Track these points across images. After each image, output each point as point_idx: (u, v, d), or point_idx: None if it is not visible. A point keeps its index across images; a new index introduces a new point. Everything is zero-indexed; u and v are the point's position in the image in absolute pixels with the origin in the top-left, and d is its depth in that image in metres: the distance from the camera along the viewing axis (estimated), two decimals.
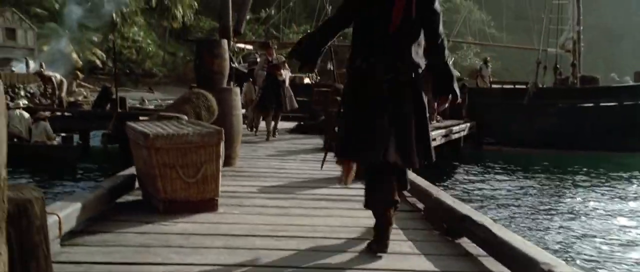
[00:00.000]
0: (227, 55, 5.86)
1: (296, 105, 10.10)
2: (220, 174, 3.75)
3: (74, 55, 48.29)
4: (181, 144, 3.47)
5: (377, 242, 2.89)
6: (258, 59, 13.83)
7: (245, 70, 12.06)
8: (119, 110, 13.04)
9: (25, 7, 53.55)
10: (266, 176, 5.42)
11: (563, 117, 16.09)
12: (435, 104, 3.82)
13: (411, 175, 4.38)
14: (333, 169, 5.31)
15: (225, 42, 5.84)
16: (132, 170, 4.17)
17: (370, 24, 2.86)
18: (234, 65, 11.15)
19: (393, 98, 2.84)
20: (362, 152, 2.94)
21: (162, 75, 56.89)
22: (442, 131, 12.35)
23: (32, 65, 42.59)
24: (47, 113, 12.86)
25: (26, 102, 14.88)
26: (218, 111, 5.58)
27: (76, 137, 14.34)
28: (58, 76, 15.57)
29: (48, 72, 17.04)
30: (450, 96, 3.02)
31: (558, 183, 12.69)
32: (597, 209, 9.80)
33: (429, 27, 2.86)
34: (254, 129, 10.24)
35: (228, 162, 5.86)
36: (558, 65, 17.89)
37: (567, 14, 18.91)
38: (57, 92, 15.59)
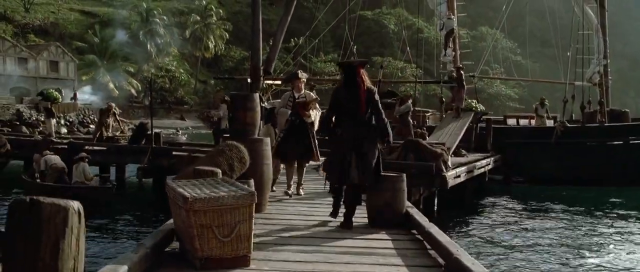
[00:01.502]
0: (258, 107, 6.22)
1: None
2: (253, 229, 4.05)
3: (111, 85, 49.98)
4: (217, 206, 3.79)
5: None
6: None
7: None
8: (154, 145, 13.59)
9: (68, 41, 55.88)
10: (294, 225, 5.70)
11: (592, 156, 16.11)
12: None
13: (435, 230, 4.65)
14: (356, 218, 5.65)
15: (256, 95, 6.21)
16: (170, 224, 4.51)
17: (344, 113, 5.69)
18: (263, 105, 11.54)
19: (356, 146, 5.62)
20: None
21: (194, 103, 58.34)
22: (464, 168, 12.35)
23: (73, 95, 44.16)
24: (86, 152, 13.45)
25: (65, 131, 15.73)
26: (250, 161, 5.93)
27: (113, 170, 14.95)
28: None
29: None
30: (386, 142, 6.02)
31: (590, 220, 12.71)
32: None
33: (376, 116, 5.74)
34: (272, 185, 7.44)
35: (258, 208, 6.17)
36: (585, 102, 17.91)
37: (593, 44, 18.96)
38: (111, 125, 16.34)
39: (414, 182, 11.07)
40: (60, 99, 18.86)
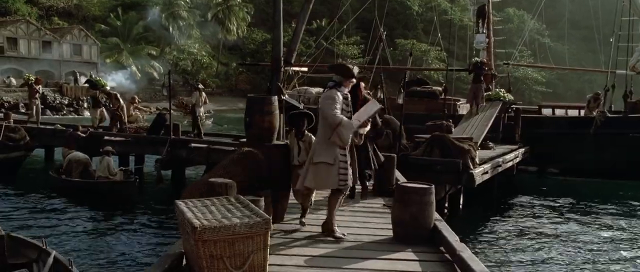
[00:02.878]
0: (277, 111, 5.85)
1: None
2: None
3: (133, 68, 50.02)
4: (229, 235, 3.45)
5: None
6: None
7: (300, 105, 11.76)
8: (172, 136, 13.36)
9: (91, 23, 56.04)
10: (313, 239, 5.35)
11: (635, 147, 15.42)
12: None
13: (467, 255, 4.29)
14: (380, 230, 5.28)
15: (275, 98, 5.83)
16: (179, 246, 4.20)
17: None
18: (284, 98, 11.16)
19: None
20: None
21: (216, 86, 58.13)
22: (492, 164, 11.80)
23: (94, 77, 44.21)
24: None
25: (88, 114, 15.60)
26: (268, 167, 5.59)
27: (131, 159, 14.79)
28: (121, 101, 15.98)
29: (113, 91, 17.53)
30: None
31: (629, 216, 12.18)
32: None
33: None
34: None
35: (277, 216, 5.86)
36: (628, 90, 17.14)
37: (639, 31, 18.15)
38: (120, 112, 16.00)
39: (439, 179, 10.67)
40: (108, 87, 17.69)
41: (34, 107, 17.36)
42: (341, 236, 5.44)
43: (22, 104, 36.16)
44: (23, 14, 51.83)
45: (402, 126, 10.97)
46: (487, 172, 11.35)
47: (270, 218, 3.70)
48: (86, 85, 19.12)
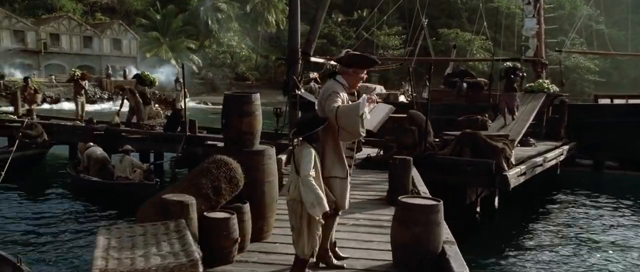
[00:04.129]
0: (259, 111, 4.99)
1: None
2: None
3: (172, 62, 50.22)
4: None
5: None
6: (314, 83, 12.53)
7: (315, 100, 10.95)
8: (188, 133, 12.74)
9: (133, 18, 56.70)
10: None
11: None
12: None
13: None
14: (381, 252, 4.47)
15: (257, 96, 4.97)
16: None
17: None
18: (299, 93, 10.33)
19: None
20: None
21: (255, 78, 57.85)
22: (525, 166, 10.48)
23: (134, 72, 44.78)
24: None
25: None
26: (247, 178, 4.75)
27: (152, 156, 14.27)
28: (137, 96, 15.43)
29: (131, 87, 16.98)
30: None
31: None
32: None
33: None
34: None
35: (259, 235, 5.03)
36: None
37: None
38: (138, 106, 15.48)
39: (470, 182, 9.64)
40: (157, 83, 17.01)
41: (80, 104, 17.05)
42: (342, 265, 4.58)
43: (63, 99, 36.67)
44: (68, 10, 52.85)
45: (427, 122, 9.97)
46: (524, 174, 10.19)
47: (199, 258, 2.84)
48: (133, 80, 18.23)
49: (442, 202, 4.49)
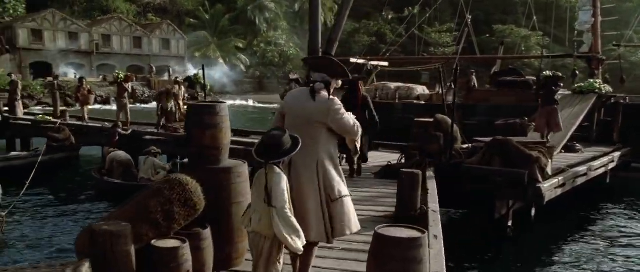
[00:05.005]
0: (226, 123, 4.42)
1: None
2: None
3: (220, 61, 50.65)
4: None
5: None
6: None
7: None
8: None
9: (183, 18, 57.62)
10: None
11: None
12: None
13: None
14: None
15: (223, 107, 4.40)
16: None
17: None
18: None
19: None
20: None
21: (303, 76, 57.49)
22: (563, 177, 9.44)
23: (184, 71, 45.51)
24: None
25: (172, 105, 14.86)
26: (212, 200, 4.20)
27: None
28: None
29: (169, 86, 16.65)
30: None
31: None
32: None
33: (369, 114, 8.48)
34: None
35: (227, 264, 4.47)
36: None
37: None
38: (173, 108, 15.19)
39: (500, 193, 8.78)
40: (208, 86, 16.35)
41: (123, 107, 16.57)
42: None
43: (113, 99, 37.40)
44: (122, 12, 54.23)
45: (453, 127, 9.16)
46: (562, 185, 9.20)
47: None
48: (186, 83, 17.42)
49: (426, 234, 3.77)
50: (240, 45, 54.38)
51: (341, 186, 3.97)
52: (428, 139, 9.36)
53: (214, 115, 4.32)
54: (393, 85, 20.06)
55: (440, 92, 13.78)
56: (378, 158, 10.76)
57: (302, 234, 3.71)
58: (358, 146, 4.22)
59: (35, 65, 42.01)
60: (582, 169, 10.13)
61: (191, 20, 55.57)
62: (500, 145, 8.93)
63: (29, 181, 11.01)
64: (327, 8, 61.63)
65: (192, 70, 44.03)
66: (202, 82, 13.46)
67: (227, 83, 46.25)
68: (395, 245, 3.64)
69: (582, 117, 13.00)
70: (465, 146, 10.09)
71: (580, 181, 9.96)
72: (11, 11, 49.32)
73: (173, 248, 3.83)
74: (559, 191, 9.03)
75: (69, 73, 40.52)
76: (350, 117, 3.99)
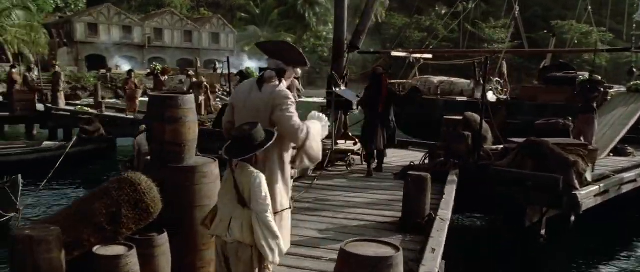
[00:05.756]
0: (190, 117, 3.99)
1: None
2: None
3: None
4: None
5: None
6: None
7: (356, 97, 9.54)
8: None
9: (235, 12, 58.13)
10: None
11: None
12: None
13: None
14: None
15: (187, 99, 3.96)
16: None
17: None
18: (336, 91, 9.18)
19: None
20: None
21: (351, 72, 56.76)
22: (605, 183, 8.41)
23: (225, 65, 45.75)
24: None
25: (224, 98, 14.69)
26: (172, 202, 3.80)
27: None
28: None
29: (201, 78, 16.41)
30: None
31: None
32: None
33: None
34: None
35: None
36: None
37: None
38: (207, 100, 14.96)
39: (531, 199, 8.00)
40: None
41: None
42: None
43: (149, 91, 38.04)
44: (175, 6, 55.24)
45: (481, 126, 8.45)
46: (605, 192, 8.30)
47: None
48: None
49: (401, 251, 3.23)
50: (289, 39, 54.25)
51: (284, 197, 3.58)
52: (455, 138, 8.68)
53: (175, 108, 3.90)
54: (436, 79, 19.25)
55: (472, 85, 12.95)
56: (406, 157, 10.16)
57: (282, 243, 3.29)
58: (311, 155, 3.67)
59: (91, 58, 43.30)
60: (629, 175, 9.15)
61: (242, 14, 55.95)
62: (534, 146, 8.14)
63: (51, 173, 11.04)
64: (378, 2, 60.81)
65: (244, 65, 44.33)
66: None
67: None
68: (360, 265, 3.13)
69: (635, 118, 11.90)
70: (498, 146, 9.32)
71: (626, 188, 8.99)
72: (72, 6, 51.14)
73: (116, 256, 3.43)
74: (600, 199, 8.14)
75: (122, 66, 41.48)
76: (297, 118, 3.52)
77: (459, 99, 17.01)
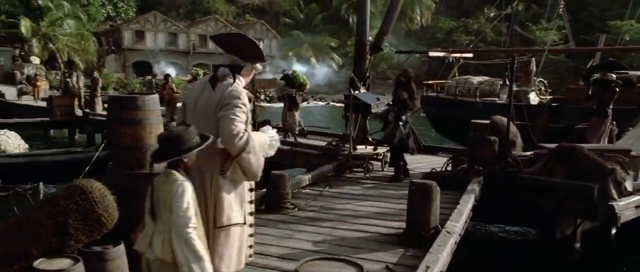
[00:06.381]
0: (153, 119, 3.68)
1: None
2: None
3: (313, 60, 50.55)
4: None
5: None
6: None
7: (378, 105, 8.87)
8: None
9: (280, 18, 58.41)
10: None
11: None
12: None
13: None
14: None
15: (149, 100, 3.66)
16: None
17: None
18: (354, 93, 8.76)
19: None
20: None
21: (395, 77, 55.84)
22: (634, 200, 7.37)
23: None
24: None
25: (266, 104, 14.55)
26: (129, 211, 3.49)
27: None
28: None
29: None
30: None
31: None
32: None
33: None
34: None
35: None
36: None
37: None
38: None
39: (562, 210, 7.33)
40: (308, 85, 13.22)
41: None
42: None
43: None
44: (222, 13, 55.97)
45: (508, 130, 7.84)
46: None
47: None
48: (282, 81, 14.26)
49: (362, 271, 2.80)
50: (333, 44, 54.02)
51: (234, 210, 3.15)
52: (481, 143, 8.10)
53: (134, 110, 3.61)
54: (476, 79, 18.51)
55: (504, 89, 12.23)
56: (432, 163, 9.59)
57: (207, 265, 2.90)
58: (246, 169, 3.20)
59: (138, 65, 44.31)
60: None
61: (287, 19, 56.15)
62: (567, 152, 7.48)
63: (81, 176, 11.05)
64: (424, 6, 59.76)
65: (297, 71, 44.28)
66: (301, 80, 11.85)
67: (320, 82, 46.01)
68: None
69: None
70: (529, 153, 8.67)
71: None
72: (123, 15, 52.58)
73: (58, 270, 3.15)
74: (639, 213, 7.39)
75: (167, 71, 42.26)
76: (241, 123, 3.08)
77: (499, 101, 16.22)
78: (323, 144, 10.68)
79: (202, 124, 3.08)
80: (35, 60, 34.46)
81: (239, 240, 3.22)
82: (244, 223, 3.26)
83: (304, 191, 7.26)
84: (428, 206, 5.07)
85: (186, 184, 2.86)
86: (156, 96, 3.79)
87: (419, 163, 9.37)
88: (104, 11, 49.47)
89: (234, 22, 53.53)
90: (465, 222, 5.75)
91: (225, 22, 49.95)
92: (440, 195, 5.31)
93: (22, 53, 36.72)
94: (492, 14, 61.69)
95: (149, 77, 40.53)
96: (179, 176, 2.87)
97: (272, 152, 3.39)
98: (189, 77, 42.03)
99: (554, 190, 7.29)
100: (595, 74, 11.20)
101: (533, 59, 17.40)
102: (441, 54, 22.12)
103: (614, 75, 10.41)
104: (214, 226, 3.12)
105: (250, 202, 3.39)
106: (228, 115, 3.08)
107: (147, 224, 3.00)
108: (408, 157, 8.87)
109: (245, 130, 3.11)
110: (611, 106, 9.80)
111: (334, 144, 9.97)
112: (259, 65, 3.41)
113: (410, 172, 8.56)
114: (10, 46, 37.20)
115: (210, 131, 3.06)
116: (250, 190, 3.39)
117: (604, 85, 9.91)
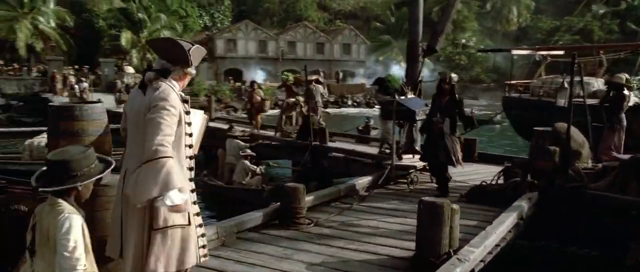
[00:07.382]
0: (97, 129, 3.37)
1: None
2: None
3: (402, 64, 49.57)
4: None
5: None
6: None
7: (419, 112, 7.92)
8: (314, 143, 11.43)
9: (371, 22, 58.01)
10: None
11: None
12: None
13: None
14: None
15: (90, 108, 3.34)
16: None
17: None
18: (398, 99, 8.07)
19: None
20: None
21: (490, 80, 53.35)
22: None
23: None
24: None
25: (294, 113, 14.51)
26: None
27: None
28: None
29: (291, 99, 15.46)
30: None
31: None
32: None
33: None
34: None
35: None
36: None
37: None
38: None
39: (635, 232, 6.24)
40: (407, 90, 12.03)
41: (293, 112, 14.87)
42: None
43: (280, 103, 38.47)
44: (313, 20, 56.48)
45: (568, 140, 6.84)
46: None
47: None
48: (375, 86, 13.09)
49: None
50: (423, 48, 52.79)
51: (170, 213, 2.92)
52: (540, 154, 7.17)
53: (70, 120, 3.30)
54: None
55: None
56: (491, 174, 8.66)
57: None
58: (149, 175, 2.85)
59: (229, 72, 45.64)
60: None
61: (377, 24, 55.67)
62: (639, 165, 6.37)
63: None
64: (522, 5, 56.69)
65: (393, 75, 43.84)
66: (397, 85, 10.90)
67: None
68: None
69: None
70: (598, 165, 7.55)
71: None
72: (219, 25, 54.61)
73: None
74: None
75: (257, 78, 43.19)
76: (167, 128, 2.85)
77: (589, 102, 14.58)
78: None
79: (135, 130, 3.01)
80: (129, 69, 36.60)
81: (182, 241, 3.03)
82: (188, 224, 3.06)
83: (332, 204, 6.74)
84: (438, 228, 4.38)
85: (74, 217, 2.44)
86: (100, 105, 3.47)
87: (474, 174, 8.49)
88: (201, 22, 51.61)
89: (324, 28, 53.76)
90: (496, 245, 4.97)
91: (314, 28, 50.26)
92: (460, 213, 4.60)
93: (122, 64, 39.21)
94: (601, 11, 57.29)
95: (238, 83, 41.62)
96: (66, 207, 2.46)
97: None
98: (278, 84, 42.75)
99: (626, 209, 6.24)
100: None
101: (604, 56, 15.79)
102: (526, 52, 20.54)
103: (624, 77, 9.04)
104: (150, 228, 2.96)
105: (194, 203, 3.17)
106: (155, 118, 2.91)
107: (26, 263, 2.63)
108: (466, 167, 8.09)
109: (170, 156, 2.82)
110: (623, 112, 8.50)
111: (387, 152, 9.33)
112: (192, 70, 3.10)
113: (461, 183, 7.77)
114: (115, 57, 39.91)
115: (141, 135, 2.92)
116: (193, 191, 3.17)
117: (613, 89, 9.06)
